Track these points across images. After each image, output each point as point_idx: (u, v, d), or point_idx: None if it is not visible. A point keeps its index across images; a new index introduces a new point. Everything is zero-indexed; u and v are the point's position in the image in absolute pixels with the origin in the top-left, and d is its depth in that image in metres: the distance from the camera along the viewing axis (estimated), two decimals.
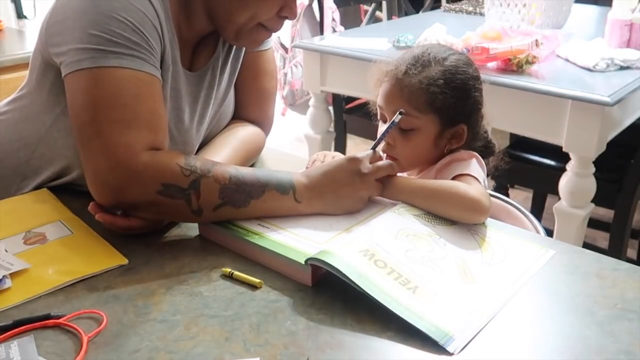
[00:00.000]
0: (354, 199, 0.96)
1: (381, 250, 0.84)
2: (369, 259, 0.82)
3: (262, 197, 0.94)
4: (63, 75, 0.94)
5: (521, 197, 2.91)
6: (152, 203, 0.91)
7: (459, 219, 0.95)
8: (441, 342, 0.72)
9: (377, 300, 0.76)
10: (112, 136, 0.90)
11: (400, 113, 1.00)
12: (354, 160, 0.96)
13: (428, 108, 1.03)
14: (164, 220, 0.98)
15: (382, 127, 1.09)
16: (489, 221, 1.00)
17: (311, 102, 2.39)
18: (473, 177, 0.99)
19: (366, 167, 0.96)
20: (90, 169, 0.93)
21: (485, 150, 1.11)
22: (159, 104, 0.95)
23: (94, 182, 0.92)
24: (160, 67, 0.98)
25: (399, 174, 1.02)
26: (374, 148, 1.01)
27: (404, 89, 1.03)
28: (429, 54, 1.05)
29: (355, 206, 0.97)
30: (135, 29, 0.92)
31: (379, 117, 1.11)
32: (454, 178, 1.00)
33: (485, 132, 1.12)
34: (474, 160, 1.04)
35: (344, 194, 0.96)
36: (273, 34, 1.11)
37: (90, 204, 0.94)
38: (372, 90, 1.11)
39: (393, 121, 1.00)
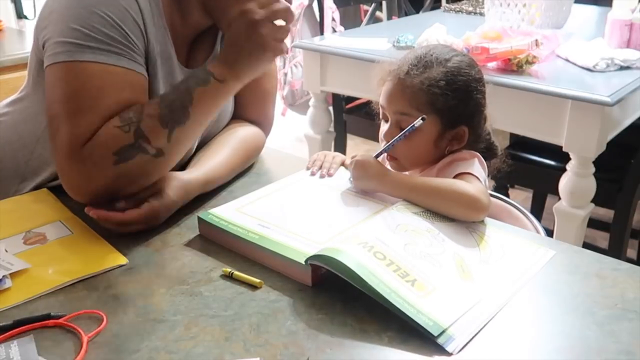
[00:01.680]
0: (260, 44, 0.97)
1: (380, 243, 0.84)
2: (368, 250, 0.82)
3: (194, 100, 0.96)
4: (44, 68, 0.95)
5: (521, 197, 2.91)
6: (118, 176, 0.92)
7: (457, 216, 0.95)
8: (440, 341, 0.72)
9: (376, 291, 0.76)
10: (68, 129, 0.91)
11: (422, 119, 1.00)
12: (243, 12, 0.96)
13: (429, 109, 1.03)
14: (161, 217, 0.98)
15: (383, 127, 1.09)
16: (489, 220, 1.00)
17: (311, 102, 2.39)
18: (474, 175, 1.00)
19: (258, 13, 0.96)
20: (57, 168, 0.95)
21: (488, 152, 1.11)
22: (130, 94, 0.95)
23: (62, 181, 0.95)
24: (146, 63, 0.99)
25: (398, 172, 1.02)
26: (381, 153, 1.03)
27: (406, 89, 1.03)
28: (432, 55, 1.05)
29: (267, 49, 0.97)
30: (114, 25, 0.92)
31: (381, 116, 1.11)
32: (455, 177, 1.00)
33: (488, 133, 1.12)
34: (475, 160, 1.04)
35: (250, 46, 0.97)
36: None
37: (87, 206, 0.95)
38: (375, 89, 1.11)
39: (413, 125, 1.01)
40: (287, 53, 0.95)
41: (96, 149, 0.91)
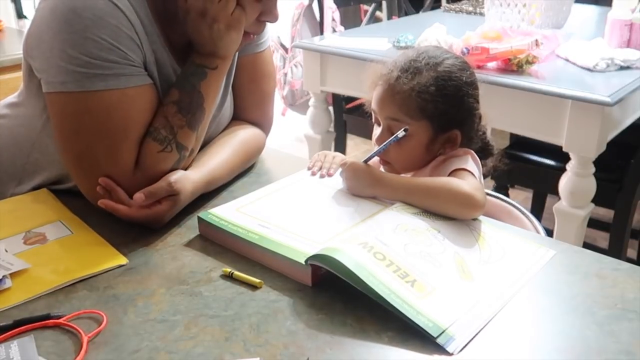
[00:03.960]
0: (219, 29, 0.98)
1: (380, 243, 0.84)
2: (368, 251, 0.82)
3: (204, 95, 1.01)
4: (45, 90, 0.96)
5: (521, 197, 2.91)
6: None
7: (453, 215, 0.95)
8: (440, 342, 0.72)
9: (375, 292, 0.76)
10: (111, 165, 0.96)
11: (405, 130, 1.00)
12: (186, 10, 0.98)
13: (420, 114, 1.02)
14: (164, 221, 0.98)
15: (376, 131, 1.09)
16: (489, 220, 1.00)
17: (311, 102, 2.39)
18: (468, 171, 0.99)
19: (197, 5, 0.97)
20: (85, 189, 1.00)
21: (483, 152, 1.11)
22: (150, 111, 0.99)
23: (91, 199, 0.99)
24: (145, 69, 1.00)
25: (391, 174, 1.02)
26: (369, 159, 1.03)
27: (396, 95, 1.03)
28: (422, 59, 1.04)
29: (228, 27, 0.99)
30: (111, 47, 0.92)
31: (373, 120, 1.11)
32: (450, 174, 1.00)
33: (483, 133, 1.12)
34: (468, 156, 1.04)
35: (214, 33, 0.99)
36: (272, 34, 1.11)
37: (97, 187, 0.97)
38: (367, 92, 1.11)
39: (396, 136, 1.00)
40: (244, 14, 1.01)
41: (150, 174, 0.97)
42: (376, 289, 0.76)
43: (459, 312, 0.76)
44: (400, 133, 1.00)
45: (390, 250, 0.83)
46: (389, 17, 3.36)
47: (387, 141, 1.02)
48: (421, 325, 0.73)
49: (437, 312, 0.75)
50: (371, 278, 0.77)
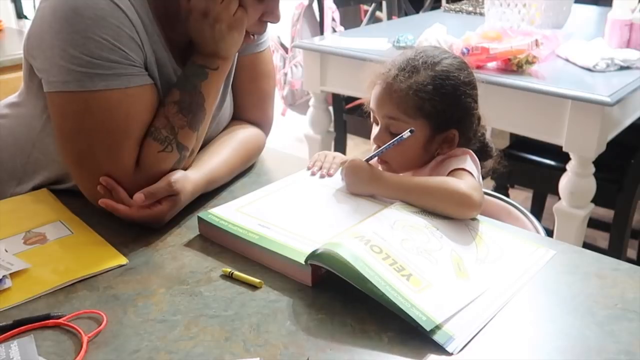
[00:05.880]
0: (221, 29, 0.99)
1: (377, 237, 0.84)
2: (365, 244, 0.82)
3: (204, 95, 1.02)
4: (46, 90, 0.96)
5: (521, 197, 2.91)
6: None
7: (451, 214, 0.95)
8: (440, 341, 0.72)
9: (371, 284, 0.76)
10: (112, 163, 0.96)
11: (411, 131, 1.00)
12: (188, 10, 0.99)
13: (417, 113, 1.02)
14: (165, 221, 0.99)
15: (374, 130, 1.09)
16: (488, 220, 1.00)
17: (311, 102, 2.39)
18: (466, 171, 1.00)
19: (200, 5, 0.98)
20: (85, 189, 1.00)
21: (482, 154, 1.11)
22: (151, 111, 0.99)
23: (91, 199, 0.99)
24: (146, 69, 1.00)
25: (391, 173, 1.02)
26: (371, 158, 1.03)
27: (393, 94, 1.03)
28: (420, 58, 1.04)
29: (229, 28, 0.99)
30: (112, 47, 0.92)
31: (371, 119, 1.11)
32: (448, 173, 1.00)
33: (482, 135, 1.12)
34: (467, 156, 1.04)
35: (215, 34, 0.99)
36: (272, 34, 1.11)
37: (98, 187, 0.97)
38: (366, 92, 1.11)
39: (401, 136, 1.00)
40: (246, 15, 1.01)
41: (150, 174, 0.97)
42: (372, 280, 0.76)
43: (453, 309, 0.77)
44: (406, 134, 1.00)
45: (387, 244, 0.83)
46: (389, 17, 3.36)
47: (391, 141, 1.02)
48: (414, 318, 0.73)
49: (432, 306, 0.75)
50: (367, 269, 0.77)
